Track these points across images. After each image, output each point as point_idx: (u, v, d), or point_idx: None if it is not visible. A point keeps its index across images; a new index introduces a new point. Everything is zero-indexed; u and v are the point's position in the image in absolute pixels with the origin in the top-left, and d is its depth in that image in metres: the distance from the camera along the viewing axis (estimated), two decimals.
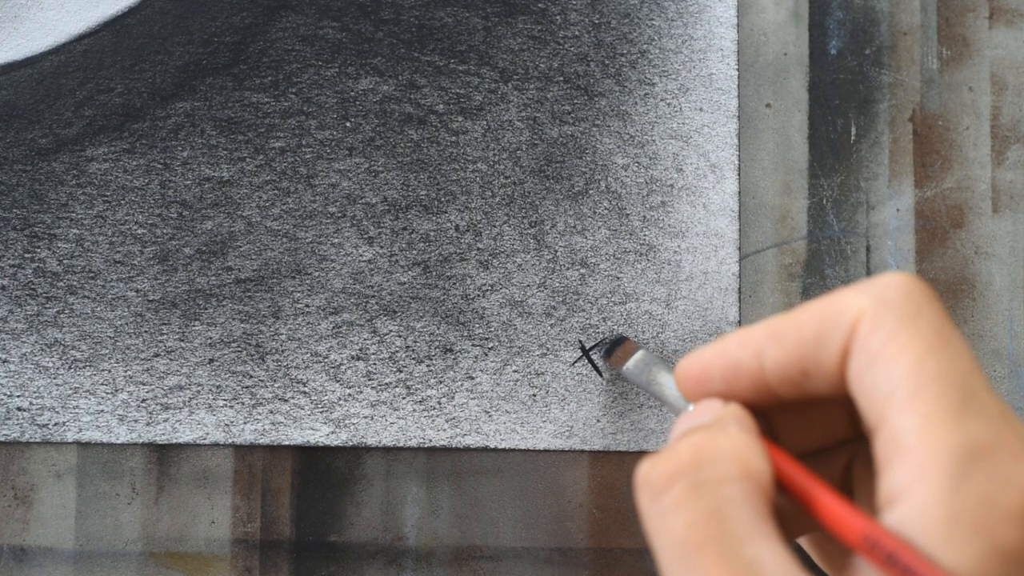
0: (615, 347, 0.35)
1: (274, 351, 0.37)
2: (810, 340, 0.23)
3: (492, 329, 0.37)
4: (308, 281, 0.37)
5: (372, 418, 0.37)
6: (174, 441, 0.36)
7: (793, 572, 0.21)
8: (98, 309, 0.37)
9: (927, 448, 0.21)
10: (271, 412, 0.37)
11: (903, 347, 0.22)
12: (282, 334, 0.37)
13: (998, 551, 0.20)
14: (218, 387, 0.37)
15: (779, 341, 0.24)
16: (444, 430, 0.37)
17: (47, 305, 0.37)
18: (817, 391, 0.24)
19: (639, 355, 0.33)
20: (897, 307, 0.23)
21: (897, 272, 0.24)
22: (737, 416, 0.24)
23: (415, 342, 0.37)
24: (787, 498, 0.24)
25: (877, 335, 0.22)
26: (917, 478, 0.21)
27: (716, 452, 0.23)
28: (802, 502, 0.23)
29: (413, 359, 0.37)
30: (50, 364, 0.37)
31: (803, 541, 0.27)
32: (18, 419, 0.36)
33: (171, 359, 0.37)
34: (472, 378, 0.37)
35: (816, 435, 0.27)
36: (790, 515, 0.25)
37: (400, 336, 0.37)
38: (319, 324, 0.37)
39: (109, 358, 0.37)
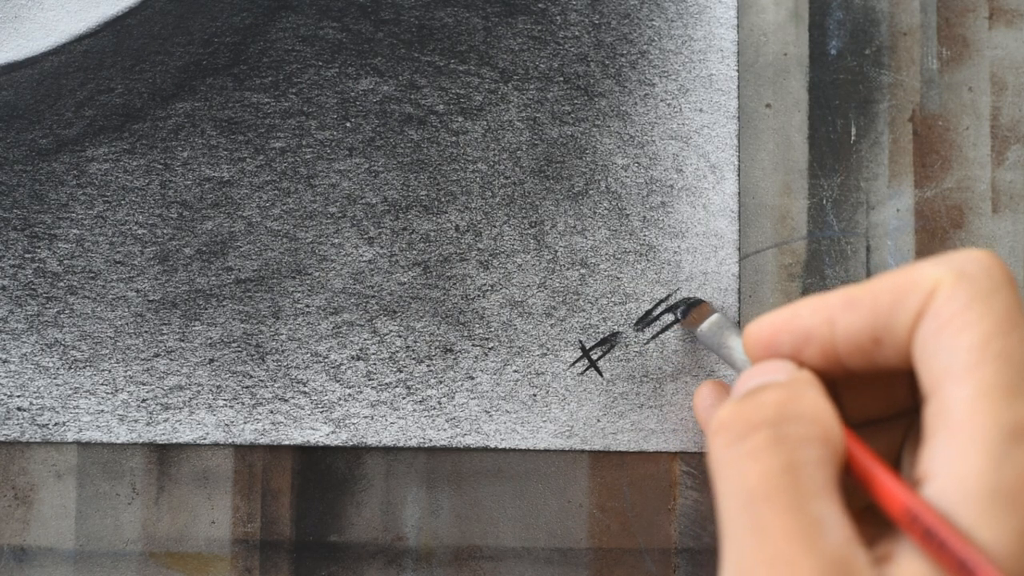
0: (691, 309, 0.35)
1: (274, 351, 0.37)
2: (885, 307, 0.24)
3: (492, 329, 0.37)
4: (308, 281, 0.37)
5: (372, 418, 0.37)
6: (174, 441, 0.36)
7: (853, 537, 0.21)
8: (98, 309, 0.37)
9: (974, 423, 0.21)
10: (271, 412, 0.37)
11: (973, 320, 0.22)
12: (282, 334, 0.37)
13: None
14: (218, 387, 0.37)
15: (854, 307, 0.24)
16: (444, 430, 0.37)
17: (47, 305, 0.37)
18: (886, 361, 0.24)
19: (714, 318, 0.33)
20: (975, 281, 0.23)
21: (977, 248, 0.24)
22: (814, 381, 0.25)
23: (415, 342, 0.37)
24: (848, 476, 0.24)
25: (950, 305, 0.23)
26: (960, 452, 0.21)
27: (800, 411, 0.23)
28: (854, 471, 0.24)
29: (413, 359, 0.37)
30: (50, 364, 0.37)
31: None
32: (18, 419, 0.36)
33: (171, 359, 0.37)
34: (472, 378, 0.37)
35: (878, 405, 0.27)
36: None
37: (400, 336, 0.37)
38: (319, 324, 0.37)
39: (109, 358, 0.37)
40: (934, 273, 0.23)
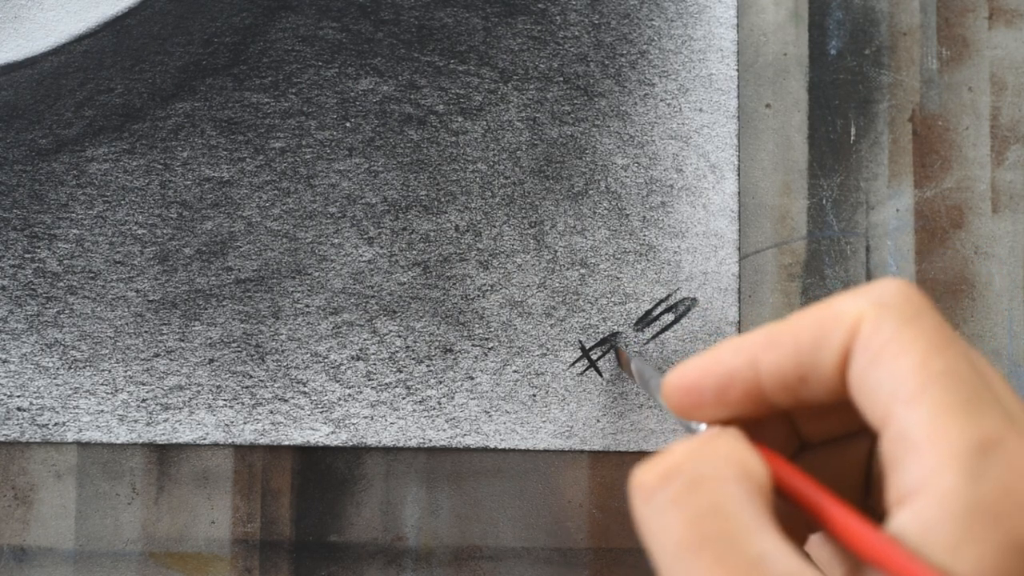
0: (616, 355, 0.36)
1: (274, 351, 0.37)
2: (808, 344, 0.23)
3: (492, 329, 0.37)
4: (308, 281, 0.37)
5: (372, 418, 0.37)
6: (174, 441, 0.36)
7: (804, 568, 0.21)
8: (98, 309, 0.37)
9: (939, 443, 0.21)
10: (271, 412, 0.37)
11: (906, 345, 0.22)
12: (282, 334, 0.37)
13: (1018, 542, 0.20)
14: (218, 387, 0.37)
15: (776, 347, 0.24)
16: (444, 430, 0.37)
17: (47, 305, 0.37)
18: (814, 397, 0.24)
19: (633, 364, 0.34)
20: (897, 309, 0.23)
21: (892, 278, 0.24)
22: (728, 430, 0.24)
23: (415, 342, 0.37)
24: (794, 508, 0.24)
25: (879, 335, 0.22)
26: (931, 473, 0.21)
27: (711, 453, 0.23)
28: (811, 513, 0.23)
29: (413, 359, 0.37)
30: (50, 364, 0.37)
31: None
32: (18, 419, 0.36)
33: (171, 359, 0.37)
34: (472, 378, 0.37)
35: (834, 426, 0.26)
36: (788, 523, 0.25)
37: (400, 336, 0.37)
38: (319, 324, 0.37)
39: (109, 358, 0.37)
40: (854, 306, 0.23)
